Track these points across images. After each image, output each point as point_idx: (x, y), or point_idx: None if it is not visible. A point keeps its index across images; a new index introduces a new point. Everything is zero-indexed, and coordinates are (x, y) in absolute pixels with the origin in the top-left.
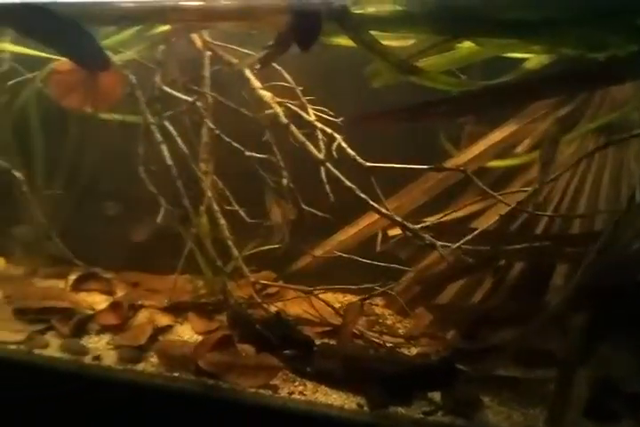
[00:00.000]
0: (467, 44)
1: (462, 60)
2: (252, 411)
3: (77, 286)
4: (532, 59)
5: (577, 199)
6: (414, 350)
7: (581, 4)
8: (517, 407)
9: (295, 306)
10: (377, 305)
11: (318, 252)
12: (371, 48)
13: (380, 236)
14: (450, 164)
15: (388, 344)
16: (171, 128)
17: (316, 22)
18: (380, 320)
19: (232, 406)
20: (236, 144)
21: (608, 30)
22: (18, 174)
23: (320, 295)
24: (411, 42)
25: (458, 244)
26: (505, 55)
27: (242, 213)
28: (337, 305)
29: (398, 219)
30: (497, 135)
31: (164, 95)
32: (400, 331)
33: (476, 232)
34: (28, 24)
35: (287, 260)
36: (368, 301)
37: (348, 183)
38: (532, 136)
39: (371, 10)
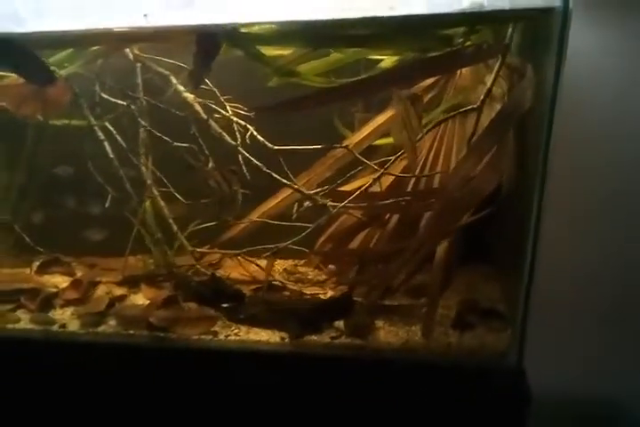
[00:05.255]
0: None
1: (334, 63)
2: (198, 353)
3: (41, 269)
4: (387, 60)
5: (435, 164)
6: (329, 294)
7: (397, 22)
8: (403, 327)
9: (234, 271)
10: (299, 265)
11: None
12: (255, 58)
13: (295, 206)
14: (344, 144)
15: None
16: (111, 128)
17: (215, 42)
18: (303, 277)
19: (180, 351)
20: (165, 138)
21: (426, 37)
22: None
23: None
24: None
25: (342, 203)
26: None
27: (178, 196)
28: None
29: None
30: (380, 119)
31: (105, 101)
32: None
33: (355, 193)
34: None
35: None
36: (293, 263)
37: (257, 162)
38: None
39: (255, 29)
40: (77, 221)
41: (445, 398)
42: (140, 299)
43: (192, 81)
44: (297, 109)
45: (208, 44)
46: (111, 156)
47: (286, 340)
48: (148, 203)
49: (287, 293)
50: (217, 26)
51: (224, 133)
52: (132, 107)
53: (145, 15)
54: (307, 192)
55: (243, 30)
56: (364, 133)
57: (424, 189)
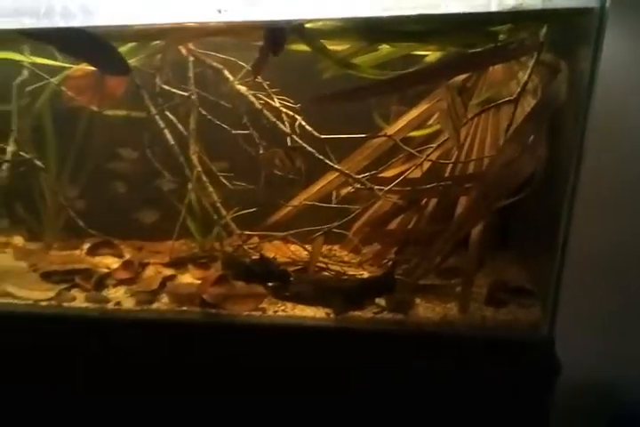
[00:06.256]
0: (386, 47)
1: (384, 57)
2: (248, 329)
3: (92, 251)
4: (431, 55)
5: (471, 151)
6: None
7: (450, 19)
8: (440, 304)
9: (274, 253)
10: (334, 249)
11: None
12: (320, 51)
13: (334, 193)
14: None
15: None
16: (172, 117)
17: (282, 35)
18: (339, 259)
19: (230, 327)
20: (224, 126)
21: (472, 34)
22: (38, 163)
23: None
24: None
25: (386, 188)
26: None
27: (225, 181)
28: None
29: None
30: (414, 112)
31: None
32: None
33: (397, 180)
34: (68, 43)
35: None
36: (328, 247)
37: (310, 149)
38: (439, 112)
39: (319, 25)
40: (123, 205)
41: (481, 367)
42: (188, 279)
43: (254, 72)
44: (353, 100)
45: (276, 38)
46: (172, 143)
47: (331, 315)
48: (190, 186)
49: (327, 273)
50: (285, 22)
51: (278, 122)
52: (193, 97)
53: (219, 11)
54: (356, 177)
55: (308, 26)
56: (400, 125)
57: (466, 174)
